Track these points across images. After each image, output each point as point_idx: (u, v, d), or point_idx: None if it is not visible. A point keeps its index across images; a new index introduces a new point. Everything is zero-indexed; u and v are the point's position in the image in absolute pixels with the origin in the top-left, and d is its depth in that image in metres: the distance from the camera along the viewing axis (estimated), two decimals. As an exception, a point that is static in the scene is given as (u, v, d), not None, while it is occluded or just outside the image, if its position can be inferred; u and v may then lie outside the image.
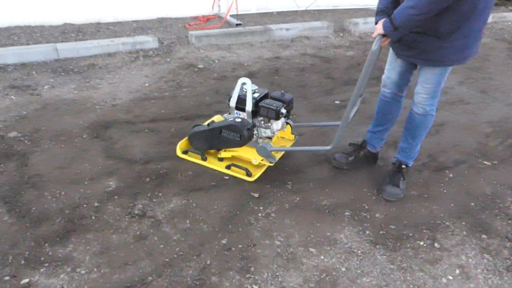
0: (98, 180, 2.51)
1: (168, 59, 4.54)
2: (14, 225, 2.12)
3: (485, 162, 2.91)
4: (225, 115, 2.79)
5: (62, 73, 4.03)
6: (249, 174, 2.57)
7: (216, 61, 4.58)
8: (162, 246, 2.05)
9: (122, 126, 3.14)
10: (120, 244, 2.04)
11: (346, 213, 2.35)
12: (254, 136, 2.66)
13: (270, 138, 2.72)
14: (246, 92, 2.60)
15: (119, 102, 3.52)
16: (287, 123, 2.84)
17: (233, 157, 2.71)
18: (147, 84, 3.90)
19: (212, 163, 2.69)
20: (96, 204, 2.30)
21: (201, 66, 4.38)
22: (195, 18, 6.21)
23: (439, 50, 2.12)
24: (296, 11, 6.77)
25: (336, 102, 3.78)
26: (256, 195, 2.46)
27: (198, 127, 2.72)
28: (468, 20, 2.02)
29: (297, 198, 2.45)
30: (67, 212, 2.23)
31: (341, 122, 2.36)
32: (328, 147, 2.46)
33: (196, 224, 2.20)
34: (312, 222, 2.26)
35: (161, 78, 4.05)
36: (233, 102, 2.65)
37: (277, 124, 2.61)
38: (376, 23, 2.16)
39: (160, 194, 2.41)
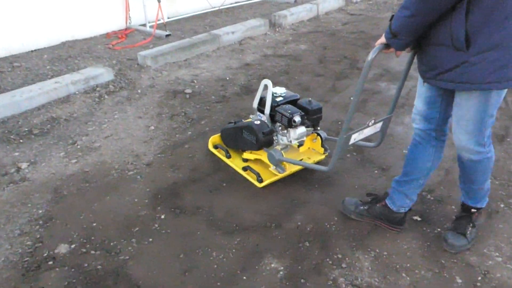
0: (252, 267, 1.90)
1: (139, 91, 3.70)
2: None
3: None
4: (251, 116, 2.68)
5: (21, 140, 2.89)
6: (259, 180, 2.42)
7: (195, 81, 3.95)
8: (417, 315, 1.69)
9: (192, 188, 2.44)
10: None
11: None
12: (274, 141, 2.51)
13: (300, 145, 2.57)
14: (273, 94, 2.51)
15: (148, 159, 2.71)
16: (318, 135, 2.64)
17: (256, 160, 2.58)
18: (152, 127, 3.11)
19: (233, 162, 2.61)
20: (291, 299, 1.75)
21: (188, 90, 3.71)
22: (107, 35, 5.22)
23: (462, 67, 1.52)
24: (206, 13, 6.31)
25: (351, 98, 3.70)
26: (418, 218, 2.24)
27: (229, 125, 2.65)
28: (495, 20, 1.41)
29: (455, 209, 2.32)
30: (274, 325, 1.63)
31: (337, 141, 1.96)
32: (326, 168, 2.12)
33: (413, 273, 1.89)
34: (497, 225, 2.19)
35: (159, 115, 3.28)
36: (255, 103, 2.56)
37: (294, 133, 2.41)
38: None
39: (339, 256, 1.98)
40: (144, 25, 5.46)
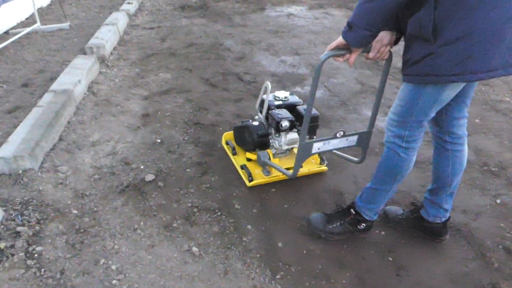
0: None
1: (75, 212, 2.27)
2: None
3: None
4: (256, 116, 2.63)
5: None
6: (250, 179, 2.44)
7: (131, 162, 2.74)
8: None
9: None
10: None
11: None
12: (271, 145, 2.50)
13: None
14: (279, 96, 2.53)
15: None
16: None
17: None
18: (197, 249, 2.04)
19: (236, 160, 2.65)
20: None
21: (150, 177, 2.56)
22: None
23: (429, 58, 1.46)
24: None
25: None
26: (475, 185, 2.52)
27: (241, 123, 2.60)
28: (461, 10, 1.36)
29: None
30: None
31: (297, 149, 1.96)
32: (290, 174, 2.14)
33: None
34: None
35: (169, 228, 2.17)
36: (257, 104, 2.59)
37: (284, 137, 2.45)
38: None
39: (496, 266, 2.01)
40: None
